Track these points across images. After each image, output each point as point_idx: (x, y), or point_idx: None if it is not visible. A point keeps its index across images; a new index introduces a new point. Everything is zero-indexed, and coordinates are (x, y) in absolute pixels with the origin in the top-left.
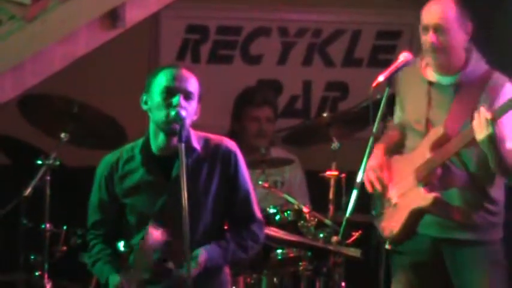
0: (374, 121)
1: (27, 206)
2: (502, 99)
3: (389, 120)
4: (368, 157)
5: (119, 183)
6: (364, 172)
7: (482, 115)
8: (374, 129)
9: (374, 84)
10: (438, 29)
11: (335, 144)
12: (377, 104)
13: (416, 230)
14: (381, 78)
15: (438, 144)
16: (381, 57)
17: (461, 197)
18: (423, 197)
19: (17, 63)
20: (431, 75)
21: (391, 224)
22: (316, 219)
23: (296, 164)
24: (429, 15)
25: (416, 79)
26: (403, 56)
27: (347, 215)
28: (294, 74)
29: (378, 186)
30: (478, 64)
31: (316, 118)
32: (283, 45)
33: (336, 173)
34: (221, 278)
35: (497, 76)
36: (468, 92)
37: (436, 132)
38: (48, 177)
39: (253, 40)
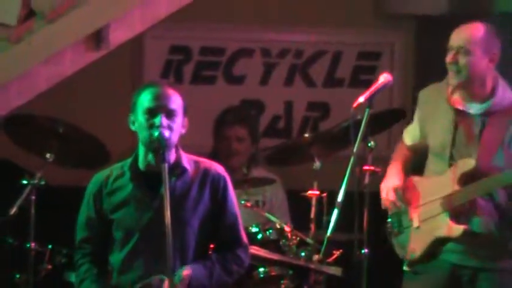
0: (355, 141)
1: (12, 225)
2: None
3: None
4: (349, 177)
5: (107, 199)
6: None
7: None
8: (354, 149)
9: (354, 105)
10: (460, 50)
11: (316, 164)
12: (358, 124)
13: (438, 255)
14: (361, 99)
15: (468, 177)
16: (362, 77)
17: (485, 226)
18: (451, 228)
19: (2, 84)
20: (458, 102)
21: (412, 246)
22: (297, 238)
23: (277, 184)
24: (455, 36)
25: (441, 104)
26: (384, 77)
27: (328, 233)
28: (276, 94)
29: (399, 206)
30: (505, 93)
31: (298, 138)
32: (266, 65)
33: (317, 192)
34: None
35: None
36: (497, 122)
37: (466, 164)
38: (33, 197)
39: (236, 61)
